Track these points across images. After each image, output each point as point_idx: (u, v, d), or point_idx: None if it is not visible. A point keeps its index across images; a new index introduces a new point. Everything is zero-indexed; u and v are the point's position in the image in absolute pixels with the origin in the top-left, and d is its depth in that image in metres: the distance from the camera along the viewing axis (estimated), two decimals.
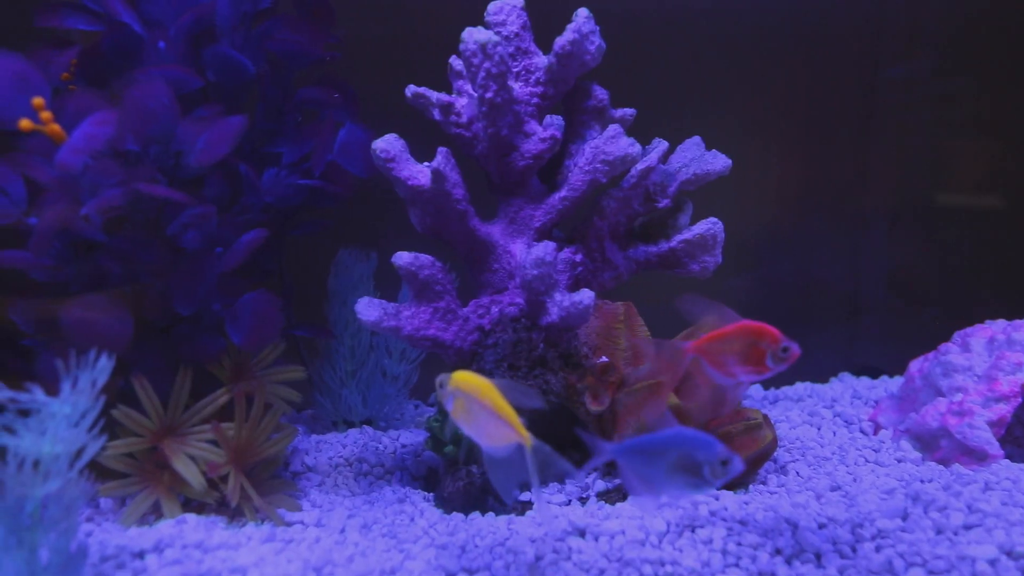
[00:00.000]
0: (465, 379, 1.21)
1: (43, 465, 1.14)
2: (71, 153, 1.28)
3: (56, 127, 1.32)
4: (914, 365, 1.91)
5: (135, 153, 1.44)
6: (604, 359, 1.64)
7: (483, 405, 1.18)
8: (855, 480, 1.58)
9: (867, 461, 1.72)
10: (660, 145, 1.71)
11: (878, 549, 1.31)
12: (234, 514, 1.52)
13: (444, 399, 1.23)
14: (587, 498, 1.59)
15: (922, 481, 1.54)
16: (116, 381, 1.29)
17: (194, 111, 1.54)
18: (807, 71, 2.37)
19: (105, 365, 1.20)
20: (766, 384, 2.36)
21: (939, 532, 1.33)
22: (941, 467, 1.65)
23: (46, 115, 1.31)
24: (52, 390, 1.14)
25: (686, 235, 1.72)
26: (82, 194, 1.38)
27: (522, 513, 1.54)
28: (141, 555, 1.30)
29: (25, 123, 1.30)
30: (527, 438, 1.17)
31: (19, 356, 1.53)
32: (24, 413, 1.13)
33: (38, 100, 1.30)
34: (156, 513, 1.50)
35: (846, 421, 1.97)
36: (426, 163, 1.58)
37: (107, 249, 1.48)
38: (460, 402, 1.21)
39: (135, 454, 1.51)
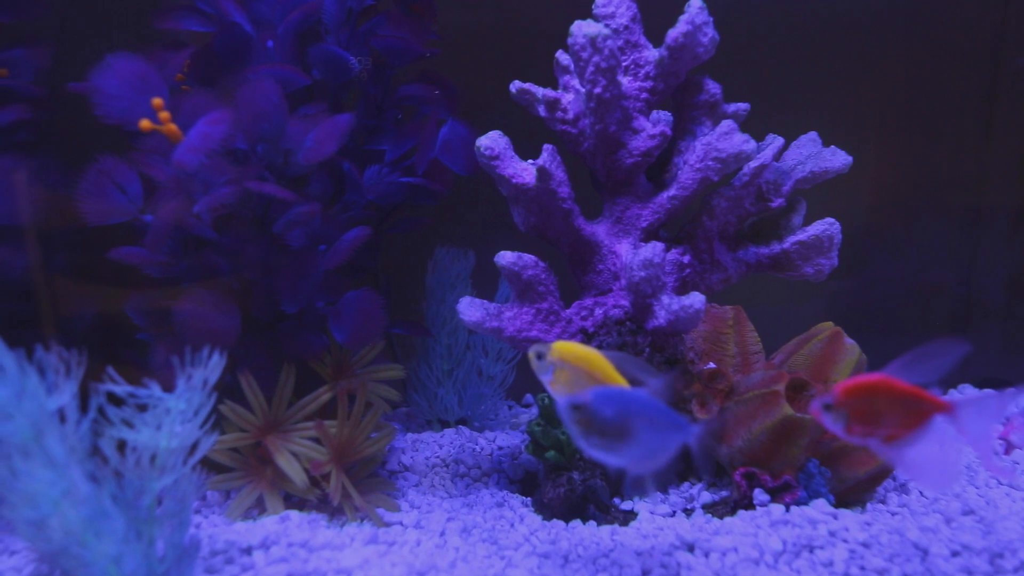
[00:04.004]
0: (569, 349, 1.14)
1: (159, 459, 1.15)
2: (187, 152, 1.30)
3: (173, 127, 1.34)
4: None
5: (243, 151, 1.45)
6: (712, 365, 1.57)
7: (592, 376, 1.12)
8: (988, 504, 1.46)
9: (1000, 483, 1.59)
10: (775, 141, 1.63)
11: None
12: (334, 512, 1.52)
13: (542, 371, 1.17)
14: (692, 510, 1.53)
15: None
16: (223, 376, 1.31)
17: (299, 109, 1.55)
18: (924, 60, 2.24)
19: (217, 362, 1.21)
20: None
21: None
22: None
23: (164, 115, 1.33)
24: (164, 383, 1.16)
25: (800, 236, 1.63)
26: (194, 192, 1.40)
27: (625, 524, 1.48)
28: (249, 551, 1.31)
29: (145, 123, 1.32)
30: None
31: (133, 349, 1.58)
32: (142, 407, 1.15)
33: (157, 100, 1.33)
34: (259, 508, 1.52)
35: None
36: (530, 161, 1.55)
37: (216, 246, 1.50)
38: (563, 374, 1.15)
39: (239, 449, 1.54)
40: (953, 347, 1.06)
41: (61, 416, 1.09)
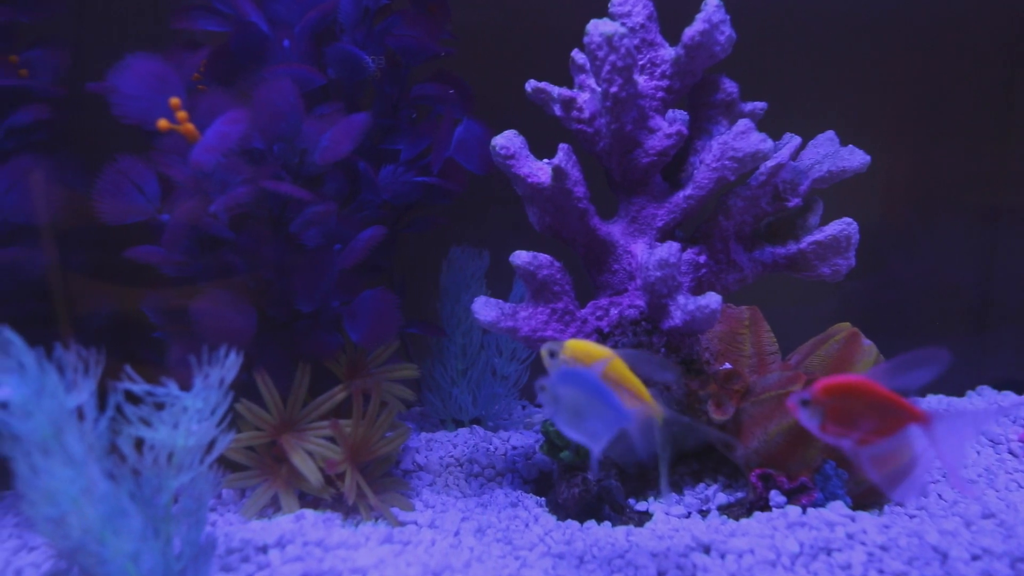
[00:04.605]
0: (582, 348, 1.15)
1: (176, 457, 1.16)
2: (204, 151, 1.30)
3: (190, 126, 1.35)
4: None
5: (259, 151, 1.46)
6: (728, 366, 1.56)
7: (606, 376, 1.13)
8: (1008, 508, 1.45)
9: (1020, 487, 1.57)
10: (792, 141, 1.61)
11: None
12: (349, 511, 1.53)
13: (554, 369, 1.17)
14: (708, 511, 1.52)
15: None
16: (239, 375, 1.32)
17: (315, 108, 1.55)
18: (942, 57, 2.21)
19: (234, 361, 1.21)
20: None
21: None
22: None
23: (182, 115, 1.34)
24: (181, 381, 1.16)
25: (817, 236, 1.62)
26: (211, 191, 1.41)
27: (640, 524, 1.48)
28: (264, 549, 1.31)
29: (163, 123, 1.33)
30: (658, 411, 1.11)
31: (149, 347, 1.58)
32: (159, 406, 1.15)
33: (175, 100, 1.34)
34: (274, 506, 1.52)
35: (991, 440, 1.81)
36: (546, 160, 1.54)
37: (232, 245, 1.50)
38: None
39: (255, 447, 1.54)
40: (937, 357, 1.05)
41: (79, 414, 1.09)
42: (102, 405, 1.10)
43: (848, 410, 1.07)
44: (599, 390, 1.10)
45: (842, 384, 1.08)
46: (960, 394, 2.22)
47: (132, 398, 1.13)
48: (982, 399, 2.15)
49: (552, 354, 1.18)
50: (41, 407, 1.04)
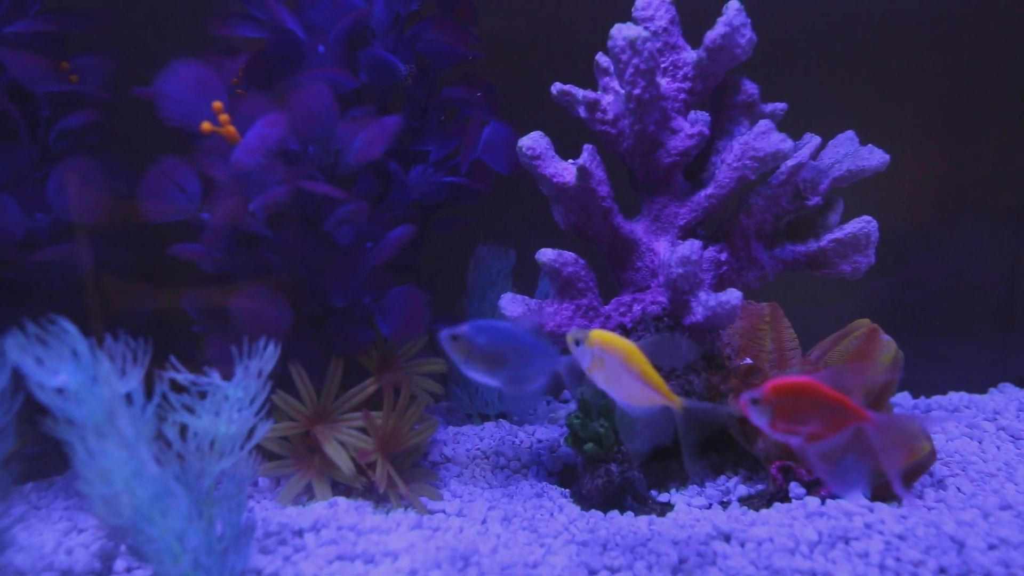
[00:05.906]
0: (607, 340, 1.19)
1: (218, 444, 1.22)
2: (245, 153, 1.36)
3: (232, 129, 1.41)
4: None
5: (295, 152, 1.52)
6: (748, 361, 1.60)
7: (627, 369, 1.17)
8: None
9: None
10: (812, 140, 1.65)
11: None
12: (379, 499, 1.58)
13: (580, 356, 1.22)
14: (728, 502, 1.55)
15: None
16: (274, 368, 1.38)
17: (348, 111, 1.61)
18: (966, 56, 2.22)
19: (272, 352, 1.27)
20: (915, 393, 2.23)
21: None
22: None
23: (224, 117, 1.40)
24: (220, 373, 1.22)
25: (837, 234, 1.65)
26: (250, 191, 1.47)
27: (662, 515, 1.52)
28: (300, 533, 1.37)
29: (206, 125, 1.39)
30: (678, 402, 1.16)
31: (187, 341, 1.65)
32: (201, 395, 1.21)
33: (218, 104, 1.40)
34: (308, 494, 1.58)
35: (1012, 436, 1.83)
36: (571, 160, 1.59)
37: (269, 243, 1.56)
38: (600, 361, 1.20)
39: (289, 437, 1.60)
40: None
41: (128, 401, 1.15)
42: (148, 394, 1.17)
43: (796, 409, 1.13)
44: (519, 338, 1.15)
45: (790, 384, 1.13)
46: (983, 391, 2.23)
47: (176, 387, 1.19)
48: (1004, 396, 2.16)
49: (577, 342, 1.22)
50: (95, 393, 1.10)
